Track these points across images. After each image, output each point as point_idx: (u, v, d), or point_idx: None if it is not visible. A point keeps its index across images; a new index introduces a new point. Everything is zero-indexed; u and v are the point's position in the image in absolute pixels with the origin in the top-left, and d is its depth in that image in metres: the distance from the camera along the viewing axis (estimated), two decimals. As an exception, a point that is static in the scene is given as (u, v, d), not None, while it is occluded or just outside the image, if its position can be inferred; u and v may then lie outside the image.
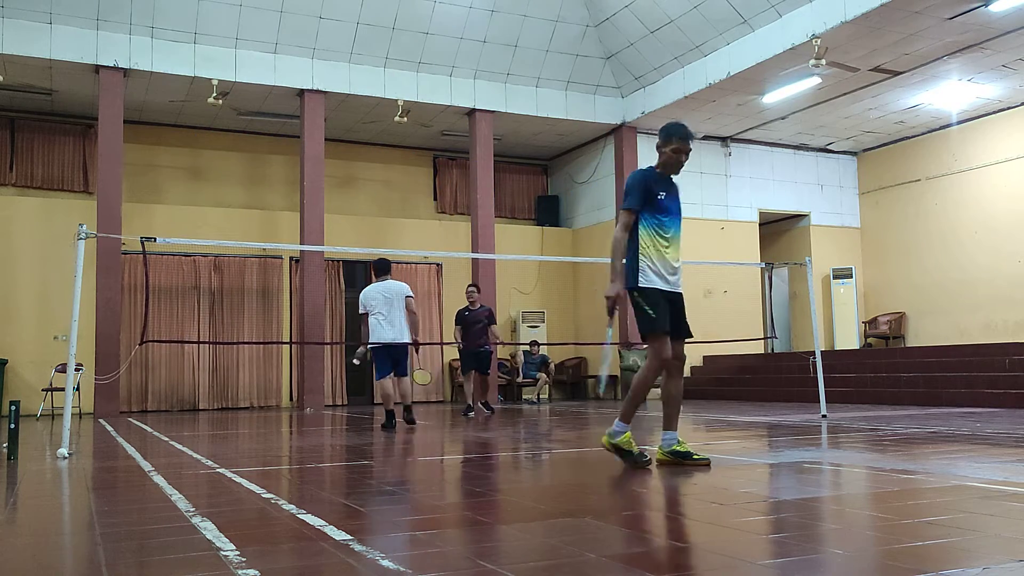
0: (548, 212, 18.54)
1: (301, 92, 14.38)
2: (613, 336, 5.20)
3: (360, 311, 9.14)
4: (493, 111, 15.60)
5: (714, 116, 15.71)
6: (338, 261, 16.10)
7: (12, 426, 6.06)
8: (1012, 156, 15.28)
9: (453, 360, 15.41)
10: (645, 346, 4.97)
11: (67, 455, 6.10)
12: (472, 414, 11.21)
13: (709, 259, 14.77)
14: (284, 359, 15.57)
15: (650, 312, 4.81)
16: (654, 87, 15.46)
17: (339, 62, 14.47)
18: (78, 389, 12.78)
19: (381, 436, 7.91)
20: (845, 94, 14.51)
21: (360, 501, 4.07)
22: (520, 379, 16.22)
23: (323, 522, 3.26)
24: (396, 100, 14.70)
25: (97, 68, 13.16)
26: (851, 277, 17.59)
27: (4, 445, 6.23)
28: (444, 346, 15.82)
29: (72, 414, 6.75)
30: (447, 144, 17.57)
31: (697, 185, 16.47)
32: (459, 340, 11.39)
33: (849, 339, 17.35)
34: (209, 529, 3.16)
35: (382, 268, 9.25)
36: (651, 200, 4.88)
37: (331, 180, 15.94)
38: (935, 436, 6.73)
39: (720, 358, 16.08)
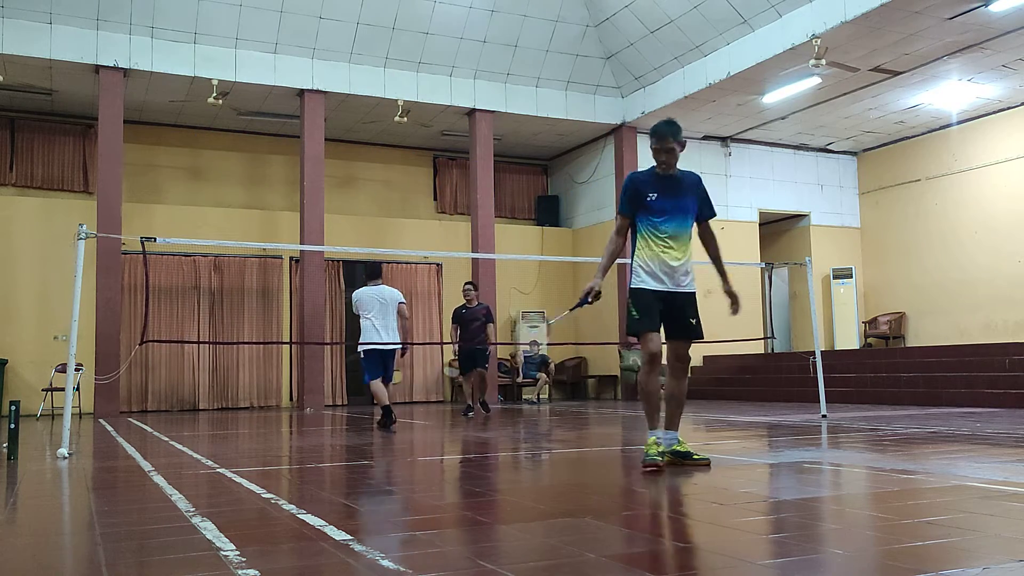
0: (548, 212, 18.54)
1: (301, 92, 14.38)
2: (561, 320, 5.34)
3: (355, 312, 9.28)
4: (493, 111, 15.60)
5: (714, 116, 15.71)
6: (338, 261, 16.09)
7: (12, 426, 6.06)
8: (1012, 156, 15.28)
9: (452, 361, 15.41)
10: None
11: (67, 455, 6.10)
12: (472, 414, 11.21)
13: (708, 259, 14.74)
14: (284, 359, 15.57)
15: (634, 313, 4.85)
16: (654, 87, 15.46)
17: (339, 62, 14.47)
18: (78, 389, 12.78)
19: (380, 436, 7.91)
20: (845, 94, 14.50)
21: (360, 501, 4.07)
22: (520, 379, 16.23)
23: (323, 522, 3.26)
24: (396, 100, 14.70)
25: (97, 68, 13.16)
26: (851, 277, 17.59)
27: (4, 445, 6.23)
28: (443, 346, 15.82)
29: (72, 414, 6.75)
30: (447, 144, 17.58)
31: (697, 185, 16.43)
32: (455, 338, 11.38)
33: (849, 339, 17.35)
34: (209, 529, 3.16)
35: (375, 272, 9.43)
36: (640, 203, 4.88)
37: (331, 180, 15.94)
38: (935, 436, 6.72)
39: (720, 358, 16.08)
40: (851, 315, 17.44)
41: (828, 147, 17.89)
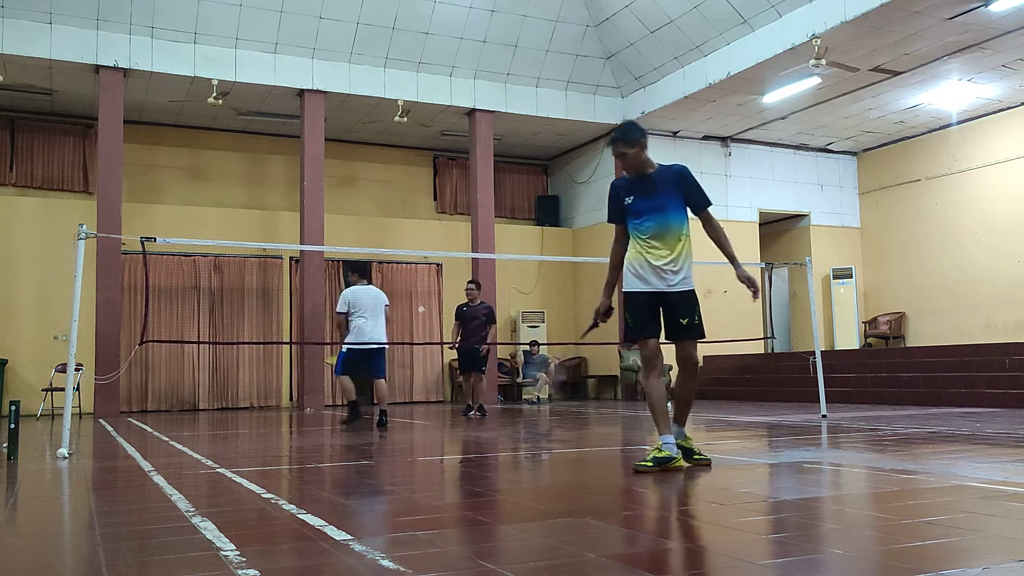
0: (548, 212, 18.55)
1: (301, 92, 14.38)
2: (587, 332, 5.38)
3: (342, 310, 9.33)
4: (493, 111, 15.60)
5: (714, 116, 15.71)
6: (338, 261, 16.09)
7: (12, 426, 6.06)
8: (1012, 156, 15.28)
9: (452, 360, 15.41)
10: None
11: (67, 455, 6.10)
12: (472, 414, 11.21)
13: (709, 259, 14.75)
14: (284, 359, 15.58)
15: (629, 321, 4.87)
16: (654, 87, 15.46)
17: (339, 62, 14.47)
18: (78, 389, 12.78)
19: (378, 435, 7.91)
20: (845, 94, 14.50)
21: (360, 501, 4.07)
22: (520, 379, 16.23)
23: (323, 522, 3.26)
24: (396, 100, 14.71)
25: (97, 68, 13.16)
26: (851, 277, 17.59)
27: (4, 445, 6.23)
28: (443, 346, 15.80)
29: (72, 414, 6.75)
30: (447, 144, 17.58)
31: (697, 185, 16.45)
32: (456, 336, 11.34)
33: (849, 339, 17.35)
34: (209, 529, 3.16)
35: (365, 272, 9.66)
36: (621, 207, 4.92)
37: (331, 180, 15.94)
38: (935, 436, 6.73)
39: (720, 358, 16.07)
40: (851, 315, 17.45)
41: (828, 147, 17.89)
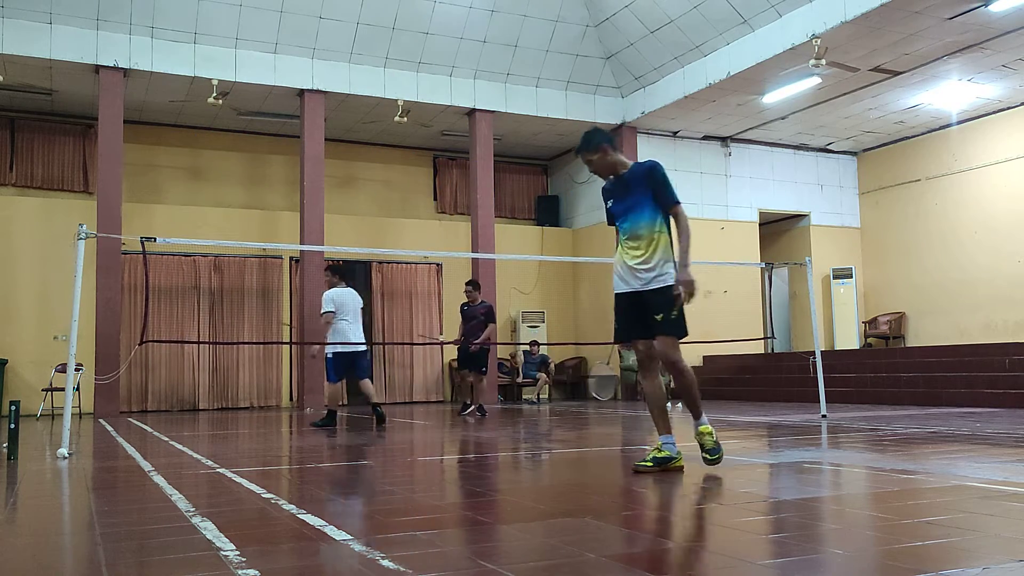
0: (548, 212, 18.54)
1: (301, 92, 14.38)
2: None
3: (328, 309, 9.38)
4: (493, 111, 15.60)
5: (714, 116, 15.71)
6: (338, 261, 16.06)
7: (12, 426, 6.06)
8: (1012, 156, 15.28)
9: (452, 360, 15.41)
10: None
11: (67, 455, 6.10)
12: (470, 411, 11.24)
13: (709, 259, 14.77)
14: (284, 359, 15.57)
15: (615, 323, 4.92)
16: (654, 87, 15.46)
17: (339, 62, 14.47)
18: (78, 389, 12.78)
19: (377, 435, 7.91)
20: (845, 94, 14.51)
21: (360, 501, 4.07)
22: (520, 379, 16.22)
23: (323, 522, 3.26)
24: (396, 100, 14.70)
25: (97, 68, 13.16)
26: (851, 277, 17.59)
27: (4, 445, 6.23)
28: (443, 346, 15.81)
29: (72, 414, 6.75)
30: (447, 144, 17.57)
31: (697, 185, 16.47)
32: (460, 333, 11.43)
33: (849, 339, 17.35)
34: (209, 529, 3.16)
35: (348, 274, 9.80)
36: (607, 211, 4.97)
37: (331, 180, 15.94)
38: (935, 436, 6.73)
39: (720, 358, 16.07)
40: (851, 315, 17.45)
41: (828, 147, 17.89)
